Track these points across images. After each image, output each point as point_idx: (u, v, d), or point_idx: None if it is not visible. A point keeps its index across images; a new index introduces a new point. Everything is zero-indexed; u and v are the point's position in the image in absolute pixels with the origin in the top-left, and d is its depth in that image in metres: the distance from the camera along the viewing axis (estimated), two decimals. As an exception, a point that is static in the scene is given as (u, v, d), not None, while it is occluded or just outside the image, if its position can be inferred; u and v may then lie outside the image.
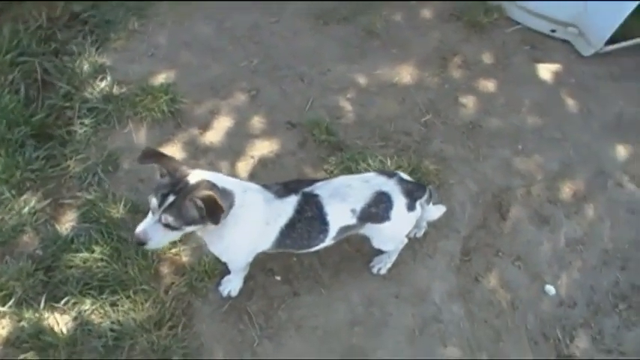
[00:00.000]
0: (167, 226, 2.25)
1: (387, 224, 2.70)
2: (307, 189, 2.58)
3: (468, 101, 3.82)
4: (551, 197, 3.65)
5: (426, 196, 2.80)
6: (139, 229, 2.28)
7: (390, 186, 2.68)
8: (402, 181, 2.73)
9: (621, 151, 3.88)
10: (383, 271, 3.10)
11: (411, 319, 3.03)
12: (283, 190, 2.52)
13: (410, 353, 2.94)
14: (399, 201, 2.67)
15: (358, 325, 2.97)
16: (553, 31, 4.15)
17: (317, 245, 2.65)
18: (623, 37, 4.14)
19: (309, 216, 2.53)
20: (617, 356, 3.46)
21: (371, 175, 2.74)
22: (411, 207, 2.70)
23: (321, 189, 2.60)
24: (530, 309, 3.42)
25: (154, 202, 2.24)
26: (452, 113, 3.75)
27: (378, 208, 2.64)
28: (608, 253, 3.67)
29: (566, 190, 3.68)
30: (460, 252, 3.32)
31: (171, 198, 2.21)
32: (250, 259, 2.70)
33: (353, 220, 2.64)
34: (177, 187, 2.22)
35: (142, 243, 2.29)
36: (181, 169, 2.28)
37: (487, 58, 4.04)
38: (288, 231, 2.53)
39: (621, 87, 4.13)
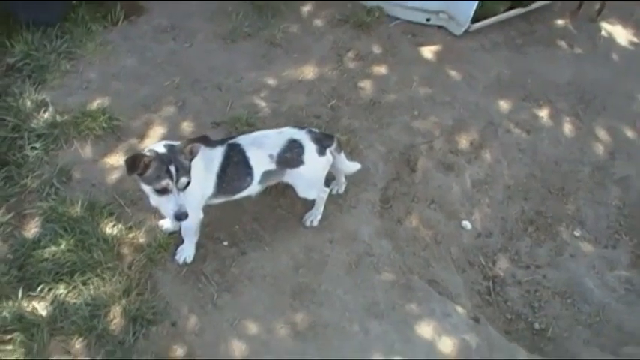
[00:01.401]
0: (186, 186, 2.75)
1: (302, 168, 3.23)
2: (231, 140, 3.12)
3: (366, 84, 4.44)
4: (452, 148, 4.24)
5: (334, 145, 3.35)
6: (173, 210, 2.77)
7: (301, 135, 3.24)
8: (311, 131, 3.29)
9: (504, 105, 4.54)
10: (315, 223, 3.58)
11: (346, 257, 3.50)
12: (213, 142, 3.03)
13: (350, 282, 3.40)
14: (310, 147, 3.22)
15: (301, 268, 3.42)
16: (428, 19, 4.86)
17: (248, 187, 3.16)
18: (484, 17, 4.89)
19: (235, 161, 3.08)
20: (533, 270, 4.00)
21: (285, 128, 3.30)
22: (321, 152, 3.25)
23: (242, 139, 3.16)
24: (452, 242, 3.95)
25: (166, 182, 2.72)
26: (354, 96, 4.34)
27: (292, 153, 3.18)
28: (510, 188, 4.27)
29: (463, 142, 4.29)
30: (380, 201, 3.84)
31: (172, 167, 2.71)
32: (201, 215, 3.15)
33: (272, 166, 3.17)
34: (169, 159, 2.73)
35: (182, 216, 2.78)
36: (151, 155, 2.75)
37: (376, 49, 4.69)
38: (222, 174, 3.04)
39: (494, 56, 4.84)
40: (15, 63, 4.10)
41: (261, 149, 3.18)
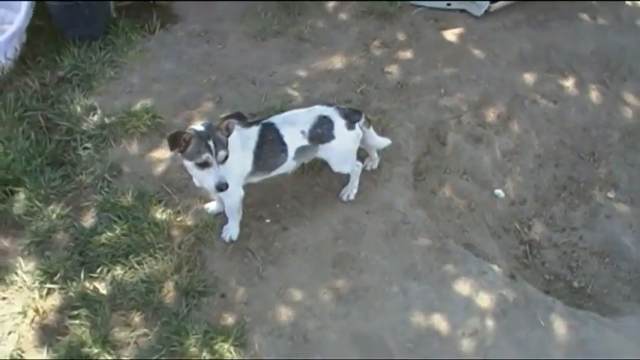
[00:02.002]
0: (225, 159, 2.99)
1: (333, 142, 3.43)
2: (265, 120, 3.34)
3: (392, 69, 4.61)
4: (480, 122, 4.38)
5: (362, 120, 3.54)
6: (214, 181, 3.03)
7: (330, 111, 3.44)
8: (339, 107, 3.50)
9: (529, 78, 4.66)
10: (351, 197, 3.76)
11: (383, 226, 3.66)
12: (248, 123, 3.26)
13: (388, 249, 3.55)
14: (339, 122, 3.42)
15: (341, 239, 3.59)
16: (449, 4, 5.02)
17: (284, 163, 3.37)
18: (504, -4, 5.03)
19: (270, 139, 3.29)
20: (569, 232, 4.09)
21: (314, 106, 3.50)
22: (350, 126, 3.44)
23: (275, 119, 3.38)
24: (487, 210, 4.07)
25: (206, 156, 2.97)
26: (382, 80, 4.52)
27: (322, 129, 3.38)
28: (541, 156, 4.38)
29: (491, 115, 4.42)
30: (413, 174, 3.99)
31: (211, 142, 2.95)
32: (242, 192, 3.37)
33: (305, 141, 3.37)
34: (207, 135, 2.98)
35: (223, 186, 3.02)
36: (190, 132, 3.01)
37: (401, 37, 4.87)
38: (259, 152, 3.25)
39: (515, 33, 4.96)
40: (65, 75, 4.42)
41: (294, 126, 3.39)
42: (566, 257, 3.97)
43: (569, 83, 4.61)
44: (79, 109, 4.17)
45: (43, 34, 4.70)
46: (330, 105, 3.52)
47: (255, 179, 3.48)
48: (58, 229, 3.59)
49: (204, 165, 3.02)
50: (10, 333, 3.19)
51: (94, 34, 4.64)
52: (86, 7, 4.49)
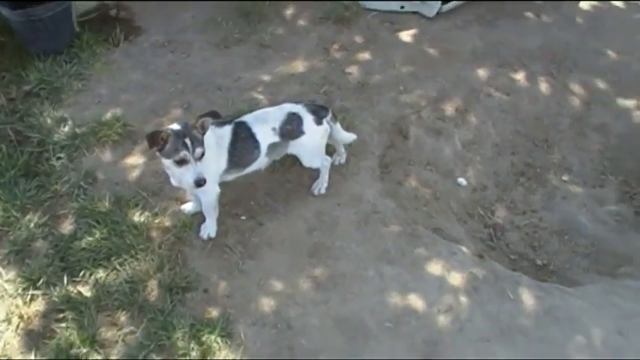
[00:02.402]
0: (201, 156, 3.11)
1: (303, 138, 3.58)
2: (237, 119, 3.48)
3: (353, 70, 4.81)
4: (439, 116, 4.60)
5: (329, 115, 3.70)
6: (192, 177, 3.13)
7: (298, 108, 3.60)
8: (307, 104, 3.66)
9: (482, 73, 4.91)
10: (322, 191, 3.91)
11: (355, 216, 3.82)
12: (221, 122, 3.39)
13: (361, 237, 3.71)
14: (307, 117, 3.57)
15: (315, 230, 3.73)
16: (402, 7, 5.26)
17: (257, 159, 3.50)
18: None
19: (243, 136, 3.43)
20: (529, 214, 4.32)
21: (283, 104, 3.65)
22: (318, 122, 3.60)
23: (247, 117, 3.53)
24: (451, 198, 4.28)
25: (183, 154, 3.09)
26: (343, 81, 4.71)
27: (292, 125, 3.53)
28: (498, 145, 4.62)
29: (449, 109, 4.64)
30: (379, 167, 4.17)
31: (188, 140, 3.07)
32: (218, 190, 3.49)
33: (276, 138, 3.52)
34: (184, 133, 3.10)
35: (201, 182, 3.12)
36: (167, 131, 3.12)
37: (358, 40, 5.08)
38: (233, 149, 3.38)
39: (467, 32, 5.23)
40: (31, 89, 4.47)
41: (265, 124, 3.53)
42: (529, 238, 4.19)
43: (519, 76, 4.87)
44: (49, 120, 4.22)
45: (6, 50, 4.75)
46: (297, 102, 3.67)
47: (230, 177, 3.60)
48: (37, 237, 3.63)
49: (181, 162, 3.13)
50: (-5, 340, 3.21)
51: (58, 48, 4.70)
52: (50, 21, 4.56)
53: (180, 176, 3.23)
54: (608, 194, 4.44)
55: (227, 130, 3.45)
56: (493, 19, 5.31)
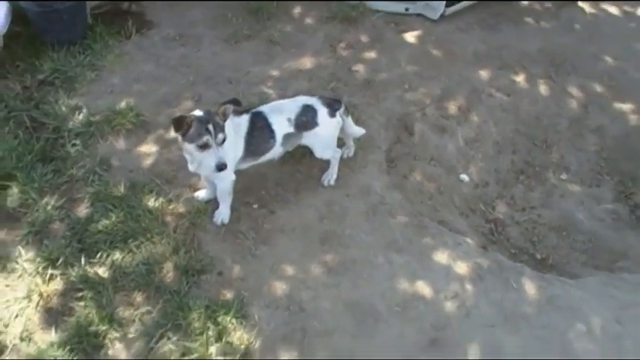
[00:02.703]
0: (223, 141, 3.23)
1: (317, 129, 3.71)
2: (254, 110, 3.60)
3: (359, 68, 4.94)
4: (443, 114, 4.73)
5: (342, 108, 3.83)
6: (213, 161, 3.25)
7: (313, 100, 3.73)
8: (321, 97, 3.79)
9: (484, 74, 5.06)
10: (332, 182, 4.03)
11: (363, 206, 3.94)
12: (239, 112, 3.50)
13: (369, 226, 3.83)
14: (322, 110, 3.70)
15: (325, 219, 3.85)
16: (407, 9, 5.41)
17: (272, 148, 3.63)
18: (457, 0, 5.46)
19: (260, 126, 3.56)
20: (529, 211, 4.47)
21: (298, 96, 3.78)
22: (331, 114, 3.73)
23: (263, 107, 3.67)
24: (454, 192, 4.41)
25: (206, 138, 3.21)
26: (350, 78, 4.84)
27: (307, 117, 3.66)
28: (499, 143, 4.77)
29: (452, 107, 4.78)
30: (386, 161, 4.30)
31: (210, 126, 3.18)
32: (234, 177, 3.59)
33: (291, 129, 3.64)
34: (207, 119, 3.22)
35: (222, 166, 3.25)
36: (191, 116, 3.23)
37: (364, 39, 5.22)
38: (250, 138, 3.50)
39: (469, 35, 5.38)
40: (45, 78, 4.56)
41: (281, 114, 3.65)
42: (528, 233, 4.33)
43: (520, 78, 5.03)
44: (64, 108, 4.31)
45: (21, 40, 4.82)
46: (312, 95, 3.80)
47: (245, 165, 3.72)
48: (54, 219, 3.72)
49: (204, 147, 3.24)
50: (16, 316, 3.29)
51: (72, 39, 4.79)
52: (65, 12, 4.66)
53: (202, 160, 3.33)
54: (604, 193, 4.60)
55: (245, 119, 3.57)
56: (495, 24, 5.47)
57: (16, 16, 4.70)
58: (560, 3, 5.74)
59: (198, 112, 3.29)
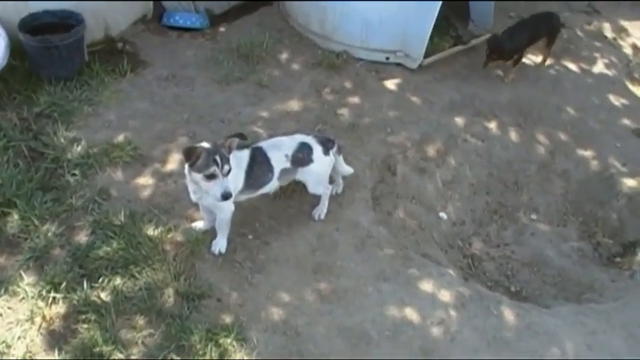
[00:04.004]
0: (228, 172, 3.42)
1: (312, 166, 3.96)
2: (254, 145, 3.84)
3: (344, 112, 5.24)
4: (422, 156, 5.04)
5: (335, 147, 4.10)
6: (219, 191, 3.43)
7: (309, 139, 4.00)
8: (316, 136, 4.05)
9: (460, 121, 5.41)
10: (322, 216, 4.26)
11: (352, 239, 4.17)
12: (240, 146, 3.73)
13: (359, 258, 4.05)
14: (317, 148, 3.97)
15: (317, 251, 4.06)
16: (387, 58, 5.77)
17: (270, 182, 3.85)
18: (434, 52, 5.86)
19: (259, 160, 3.78)
20: (503, 247, 4.78)
21: (295, 134, 4.04)
22: (325, 152, 4.00)
23: (263, 143, 3.92)
24: (434, 229, 4.69)
25: (213, 169, 3.39)
26: (335, 121, 5.12)
27: (303, 154, 3.91)
28: (474, 185, 5.10)
29: (431, 150, 5.10)
30: (371, 198, 4.56)
31: (217, 157, 3.38)
32: (233, 208, 3.79)
33: (288, 164, 3.88)
34: (214, 151, 3.41)
35: (228, 195, 3.43)
36: (200, 148, 3.43)
37: (348, 85, 5.54)
38: (249, 172, 3.73)
39: (445, 84, 5.76)
40: (42, 111, 4.71)
41: (279, 150, 3.90)
42: (503, 268, 4.63)
43: (492, 125, 5.41)
44: (62, 140, 4.46)
45: (17, 73, 4.96)
46: (308, 134, 4.06)
47: (243, 197, 3.92)
48: (55, 245, 3.83)
49: (211, 177, 3.45)
50: (19, 338, 3.37)
51: (68, 75, 4.97)
52: (64, 49, 4.84)
53: (208, 190, 3.52)
54: (570, 232, 4.95)
55: (245, 154, 3.79)
56: (467, 75, 5.87)
57: (14, 49, 4.85)
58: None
59: (206, 144, 3.50)
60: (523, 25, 5.83)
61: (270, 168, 3.86)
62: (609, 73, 6.32)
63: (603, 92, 6.01)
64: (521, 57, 5.89)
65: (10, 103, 4.75)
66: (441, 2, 5.37)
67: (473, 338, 3.66)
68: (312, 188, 4.11)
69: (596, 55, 6.50)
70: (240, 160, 3.75)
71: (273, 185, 3.96)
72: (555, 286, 4.50)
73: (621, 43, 6.89)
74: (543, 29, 5.92)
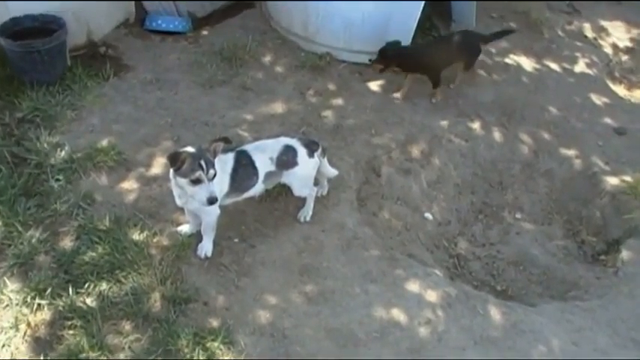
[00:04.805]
0: (213, 177, 3.42)
1: (297, 169, 3.96)
2: (239, 148, 3.83)
3: (328, 114, 5.24)
4: (407, 157, 5.06)
5: (320, 149, 4.11)
6: (205, 195, 3.43)
7: (293, 141, 4.00)
8: (301, 138, 4.06)
9: (443, 122, 5.42)
10: (308, 218, 4.26)
11: (338, 241, 4.17)
12: (225, 150, 3.72)
13: (345, 259, 4.06)
14: (301, 150, 3.97)
15: (303, 252, 4.06)
16: (370, 60, 5.77)
17: (255, 185, 3.85)
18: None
19: (244, 163, 3.78)
20: (488, 247, 4.81)
21: (280, 137, 4.04)
22: (310, 155, 4.00)
23: (247, 147, 3.92)
24: (419, 230, 4.70)
25: (198, 174, 3.39)
26: (319, 123, 5.13)
27: (287, 156, 3.91)
28: (459, 185, 5.12)
29: (415, 151, 5.12)
30: (356, 199, 4.57)
31: (203, 162, 3.38)
32: (219, 211, 3.78)
33: (273, 167, 3.88)
34: (199, 156, 3.42)
35: (213, 200, 3.43)
36: (185, 153, 3.43)
37: (331, 87, 5.54)
38: (234, 175, 3.73)
39: (428, 84, 5.76)
40: (24, 116, 4.67)
41: (264, 153, 3.89)
42: (488, 267, 4.65)
43: (476, 125, 5.43)
44: (45, 145, 4.43)
45: (-1, 79, 4.93)
46: (292, 136, 4.06)
47: (228, 201, 3.92)
48: (39, 251, 3.80)
49: (196, 182, 3.44)
50: (3, 346, 3.34)
51: (51, 80, 4.94)
52: (45, 53, 4.81)
53: (194, 194, 3.51)
54: (555, 231, 4.98)
55: (230, 157, 3.79)
56: (449, 76, 5.88)
57: (-5, 55, 4.83)
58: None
59: (190, 149, 3.49)
60: (438, 44, 5.73)
61: (255, 171, 3.85)
62: (590, 72, 6.36)
63: (585, 91, 6.05)
64: (432, 77, 5.51)
65: (-9, 109, 4.70)
66: (423, 3, 5.39)
67: (460, 338, 3.67)
68: (298, 191, 4.11)
69: (578, 54, 6.55)
70: (224, 163, 3.75)
71: (258, 188, 3.96)
72: (541, 285, 4.52)
73: (601, 42, 6.96)
74: (461, 51, 5.58)
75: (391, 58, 5.31)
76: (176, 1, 5.99)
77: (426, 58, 5.46)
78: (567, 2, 7.39)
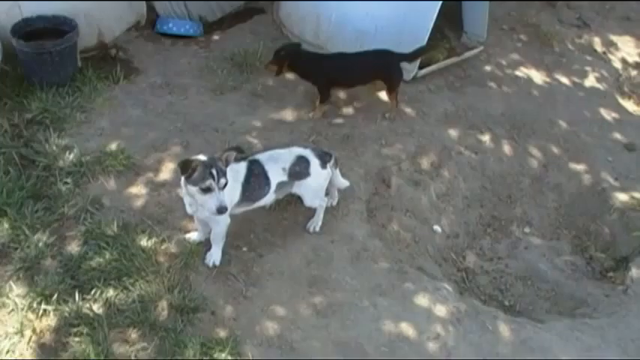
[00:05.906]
0: (224, 186, 3.39)
1: (309, 179, 3.93)
2: (251, 157, 3.80)
3: (339, 122, 5.22)
4: (417, 168, 5.03)
5: (332, 160, 4.08)
6: (215, 205, 3.40)
7: (306, 152, 3.96)
8: (314, 149, 4.03)
9: (453, 133, 5.40)
10: (317, 229, 4.23)
11: (347, 252, 4.14)
12: (237, 159, 3.69)
13: (354, 271, 4.03)
14: (314, 161, 3.94)
15: (312, 263, 4.02)
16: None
17: (266, 195, 3.82)
18: (428, 64, 5.86)
19: (256, 173, 3.75)
20: (496, 261, 4.78)
21: (293, 147, 4.01)
22: (323, 166, 3.97)
23: (260, 156, 3.88)
24: (428, 242, 4.67)
25: (209, 182, 3.36)
26: (330, 132, 5.10)
27: (300, 167, 3.88)
28: (468, 198, 5.09)
29: (425, 163, 5.09)
30: (366, 210, 4.54)
31: (214, 171, 3.35)
32: (229, 220, 3.75)
33: (285, 177, 3.85)
34: (210, 164, 3.39)
35: (223, 209, 3.41)
36: (197, 161, 3.41)
37: (342, 96, 5.50)
38: (246, 184, 3.70)
39: (439, 96, 5.75)
40: (34, 117, 4.64)
41: (276, 163, 3.86)
42: (496, 282, 4.62)
43: (486, 138, 5.41)
44: (54, 147, 4.40)
45: (8, 79, 4.90)
46: (305, 146, 4.04)
47: (239, 210, 3.88)
48: (46, 255, 3.77)
49: (207, 190, 3.40)
50: (8, 352, 3.30)
51: (61, 81, 4.91)
52: (56, 54, 4.78)
53: (204, 203, 3.48)
54: (563, 246, 4.96)
55: (242, 166, 3.75)
56: (460, 86, 5.88)
57: (6, 54, 4.78)
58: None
59: (202, 157, 3.46)
60: (341, 58, 5.20)
61: (267, 181, 3.82)
62: (600, 86, 6.34)
63: (594, 106, 6.03)
64: (320, 89, 5.20)
65: (0, 109, 4.68)
66: (436, 14, 5.36)
67: (469, 354, 3.64)
68: (309, 201, 4.08)
69: (588, 68, 6.53)
70: (237, 172, 3.71)
71: (269, 198, 3.93)
72: (549, 301, 4.49)
73: (611, 57, 6.93)
74: (375, 71, 5.22)
75: (283, 59, 5.01)
76: (187, 0, 5.95)
77: (318, 68, 5.12)
78: (577, 16, 7.36)
